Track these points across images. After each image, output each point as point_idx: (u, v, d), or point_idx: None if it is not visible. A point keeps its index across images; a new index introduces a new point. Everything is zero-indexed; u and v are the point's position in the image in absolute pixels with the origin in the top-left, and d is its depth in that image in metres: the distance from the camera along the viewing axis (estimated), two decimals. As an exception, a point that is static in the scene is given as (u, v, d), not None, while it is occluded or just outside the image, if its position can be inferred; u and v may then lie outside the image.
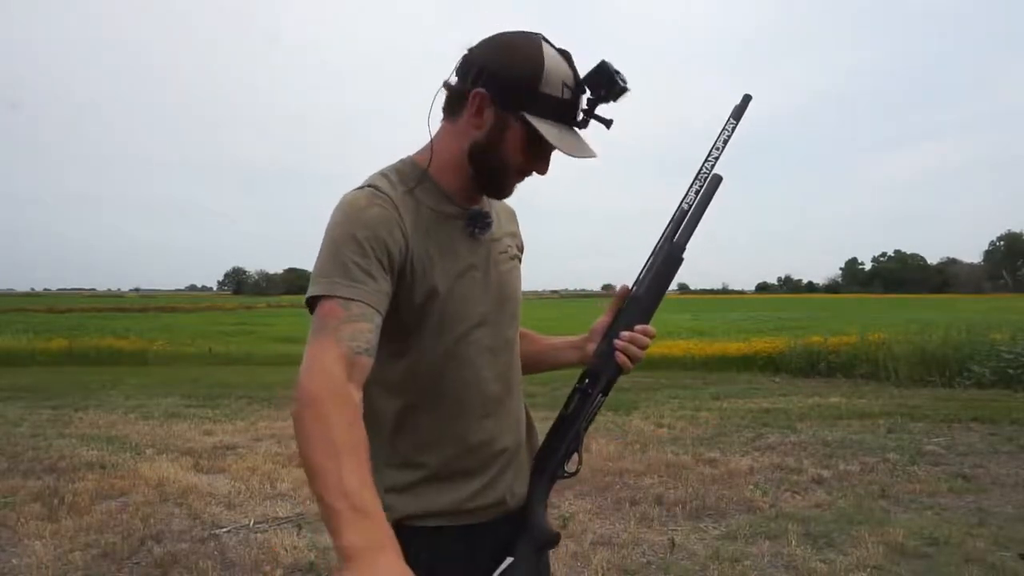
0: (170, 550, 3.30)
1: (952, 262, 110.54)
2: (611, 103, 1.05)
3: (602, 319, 1.18)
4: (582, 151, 1.04)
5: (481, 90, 1.01)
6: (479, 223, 1.09)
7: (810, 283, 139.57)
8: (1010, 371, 8.53)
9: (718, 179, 1.12)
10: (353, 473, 0.87)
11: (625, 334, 1.12)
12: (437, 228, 1.05)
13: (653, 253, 1.15)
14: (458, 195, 1.08)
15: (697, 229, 1.14)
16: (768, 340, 12.49)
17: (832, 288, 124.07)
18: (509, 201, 1.23)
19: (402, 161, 1.10)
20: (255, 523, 3.72)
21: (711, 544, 3.34)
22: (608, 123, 1.07)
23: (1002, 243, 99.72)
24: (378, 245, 0.98)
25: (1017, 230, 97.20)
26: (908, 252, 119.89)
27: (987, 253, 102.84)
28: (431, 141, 1.08)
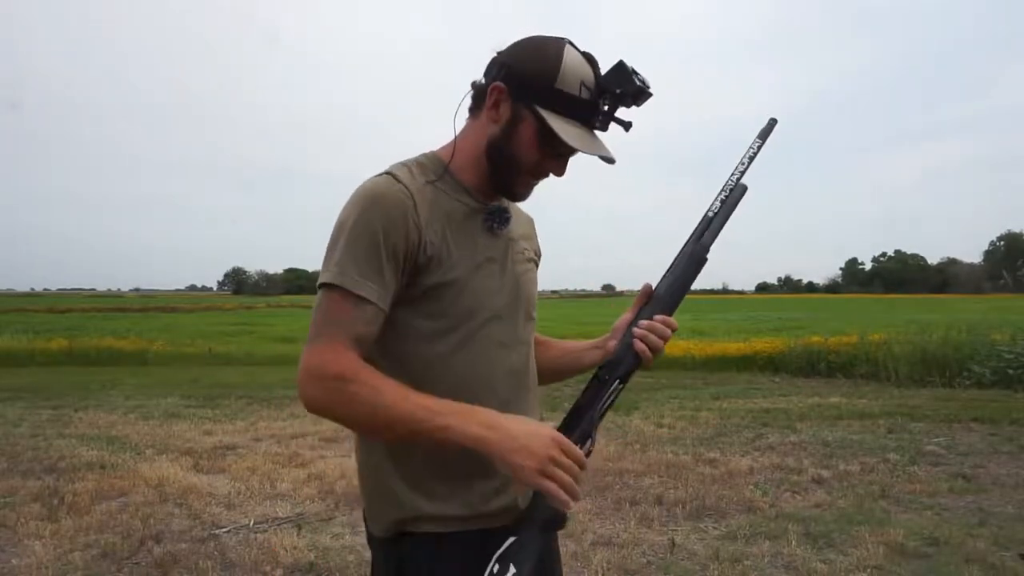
0: (170, 550, 3.30)
1: (952, 262, 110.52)
2: (633, 107, 1.05)
3: (624, 316, 1.18)
4: (595, 149, 1.04)
5: (499, 83, 1.04)
6: (497, 218, 1.10)
7: (810, 283, 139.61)
8: (1010, 371, 8.53)
9: (743, 188, 1.15)
10: (421, 397, 0.97)
11: (644, 323, 1.11)
12: (455, 220, 1.06)
13: (678, 254, 1.16)
14: (477, 191, 1.10)
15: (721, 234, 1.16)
16: (768, 340, 12.49)
17: (832, 288, 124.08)
18: (528, 210, 1.25)
19: (425, 155, 1.12)
20: (255, 523, 3.72)
21: (711, 544, 3.34)
22: (627, 125, 1.07)
23: (1002, 243, 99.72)
24: (392, 238, 1.00)
25: (1017, 230, 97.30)
26: (908, 252, 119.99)
27: (987, 253, 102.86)
28: (455, 138, 1.11)
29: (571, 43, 1.05)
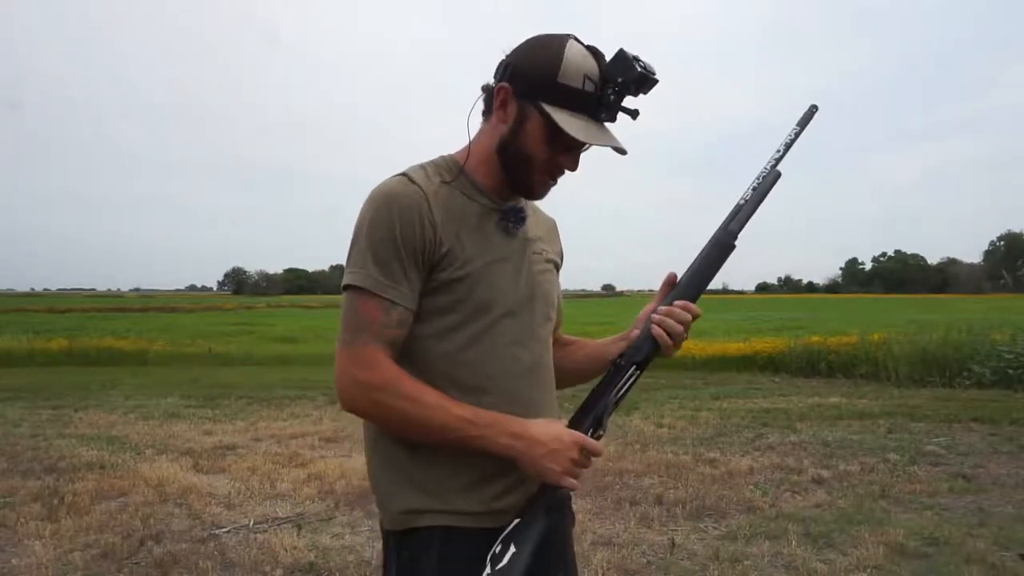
0: (170, 550, 3.30)
1: (952, 262, 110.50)
2: (640, 95, 1.05)
3: (648, 306, 1.18)
4: (604, 140, 1.04)
5: (505, 84, 1.06)
6: (513, 218, 1.11)
7: (810, 283, 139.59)
8: (1010, 371, 8.53)
9: (776, 174, 1.14)
10: (456, 407, 1.03)
11: (663, 308, 1.12)
12: (470, 220, 1.08)
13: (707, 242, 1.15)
14: (493, 192, 1.11)
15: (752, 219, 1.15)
16: (768, 340, 12.49)
17: (832, 288, 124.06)
18: (549, 211, 1.26)
19: (442, 157, 1.13)
20: (255, 523, 3.72)
21: (711, 544, 3.34)
22: (634, 114, 1.07)
23: (1002, 243, 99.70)
24: (409, 237, 1.02)
25: (1017, 230, 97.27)
26: (908, 252, 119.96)
27: (987, 253, 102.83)
28: (469, 140, 1.12)
29: (576, 38, 1.05)
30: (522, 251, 1.13)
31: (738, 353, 11.65)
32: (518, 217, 1.12)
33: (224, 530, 3.61)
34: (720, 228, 1.14)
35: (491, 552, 1.03)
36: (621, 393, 1.12)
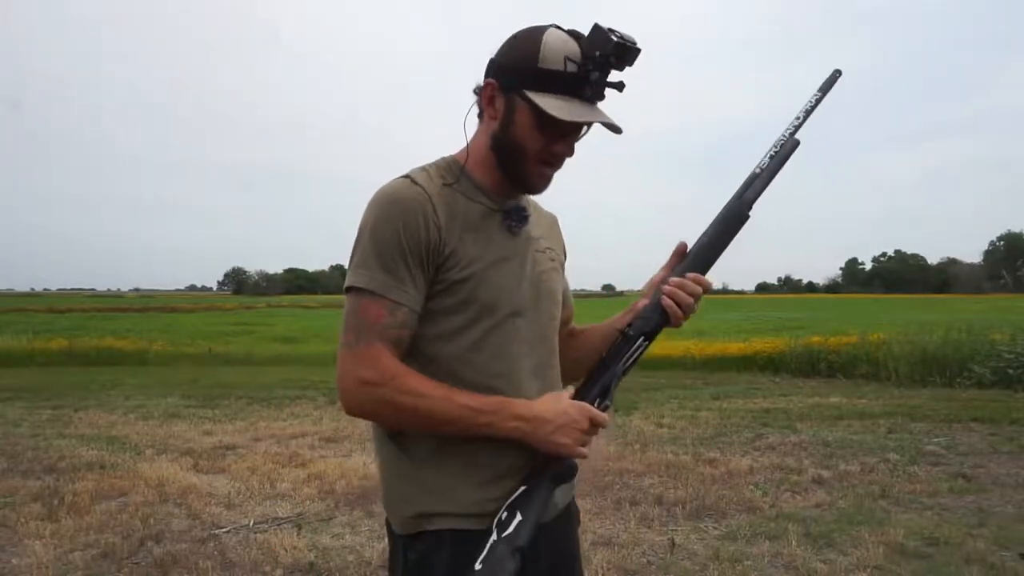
0: (170, 550, 3.30)
1: (952, 262, 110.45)
2: (625, 68, 1.03)
3: (656, 275, 1.17)
4: (592, 117, 1.03)
5: (490, 80, 1.06)
6: (515, 217, 1.11)
7: (810, 283, 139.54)
8: (1010, 371, 8.53)
9: (795, 142, 1.11)
10: (461, 396, 1.02)
11: (674, 279, 1.10)
12: (473, 220, 1.08)
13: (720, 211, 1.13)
14: (494, 191, 1.11)
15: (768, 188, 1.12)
16: (768, 340, 12.51)
17: (832, 288, 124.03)
18: (548, 206, 1.26)
19: (443, 158, 1.13)
20: (255, 523, 3.72)
21: (711, 544, 3.34)
22: (619, 86, 1.05)
23: (1002, 243, 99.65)
24: (413, 239, 1.02)
25: (1017, 230, 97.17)
26: (908, 252, 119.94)
27: (987, 253, 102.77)
28: (468, 142, 1.12)
29: (557, 26, 1.05)
30: (526, 250, 1.13)
31: (738, 353, 11.66)
32: (520, 216, 1.12)
33: (224, 530, 3.61)
34: (734, 197, 1.12)
35: (497, 518, 1.04)
36: (628, 363, 1.12)
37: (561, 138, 1.06)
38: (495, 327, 1.07)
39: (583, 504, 3.92)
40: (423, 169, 1.10)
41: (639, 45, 1.01)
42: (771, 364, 11.07)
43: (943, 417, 6.48)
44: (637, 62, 1.02)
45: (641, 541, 3.40)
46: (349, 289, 1.04)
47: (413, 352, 1.06)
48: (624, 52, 1.00)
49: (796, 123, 1.11)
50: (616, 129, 1.06)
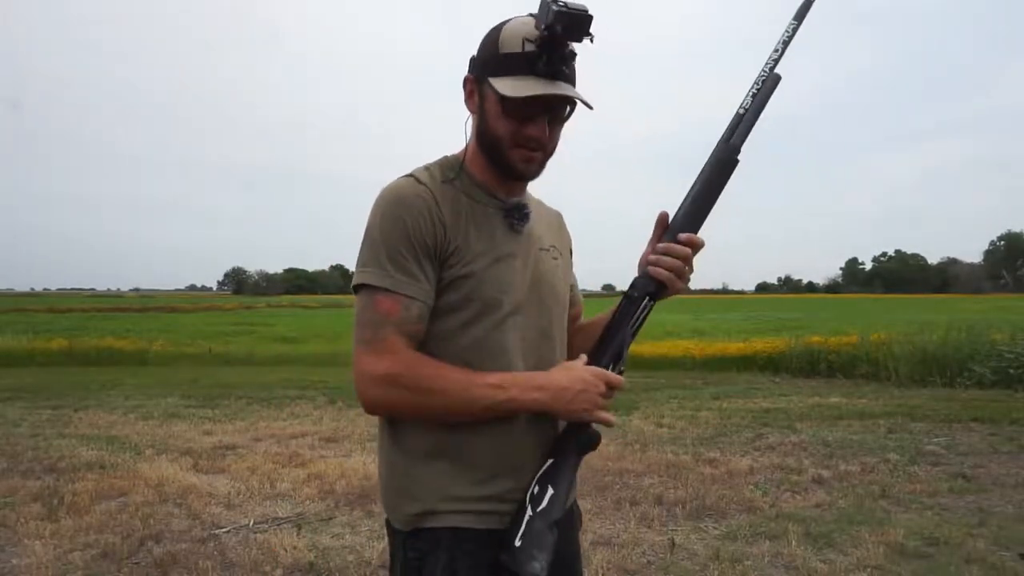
0: (170, 550, 3.30)
1: (952, 262, 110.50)
2: (582, 38, 1.01)
3: (645, 251, 1.15)
4: (544, 90, 1.00)
5: (468, 76, 1.09)
6: (517, 215, 1.12)
7: (810, 283, 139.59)
8: (1011, 371, 8.53)
9: (776, 78, 1.08)
10: (480, 376, 1.03)
11: (661, 246, 1.09)
12: (476, 217, 1.08)
13: (707, 161, 1.10)
14: (493, 186, 1.12)
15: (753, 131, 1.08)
16: (768, 340, 12.49)
17: (832, 288, 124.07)
18: (552, 204, 1.26)
19: (444, 157, 1.15)
20: (255, 523, 3.72)
21: (711, 544, 3.34)
22: (570, 57, 1.02)
23: (1002, 243, 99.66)
24: (421, 235, 1.03)
25: (1017, 230, 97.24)
26: (908, 252, 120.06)
27: (987, 253, 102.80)
28: (467, 140, 1.13)
29: (531, 15, 1.05)
30: (528, 248, 1.14)
31: (738, 353, 11.65)
32: (522, 214, 1.13)
33: (224, 530, 3.61)
34: (720, 143, 1.08)
35: (529, 492, 1.05)
36: (637, 325, 1.12)
37: (528, 120, 1.04)
38: (497, 324, 1.07)
39: (583, 504, 3.92)
40: (426, 168, 1.11)
41: (588, 12, 0.97)
42: (771, 364, 11.06)
43: (943, 417, 6.48)
44: (596, 32, 0.99)
45: (641, 541, 3.40)
46: (361, 288, 1.04)
47: (420, 348, 1.06)
48: (570, 20, 0.97)
49: (775, 56, 1.07)
50: (583, 103, 1.04)
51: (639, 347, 10.31)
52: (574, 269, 1.32)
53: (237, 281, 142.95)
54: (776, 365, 10.99)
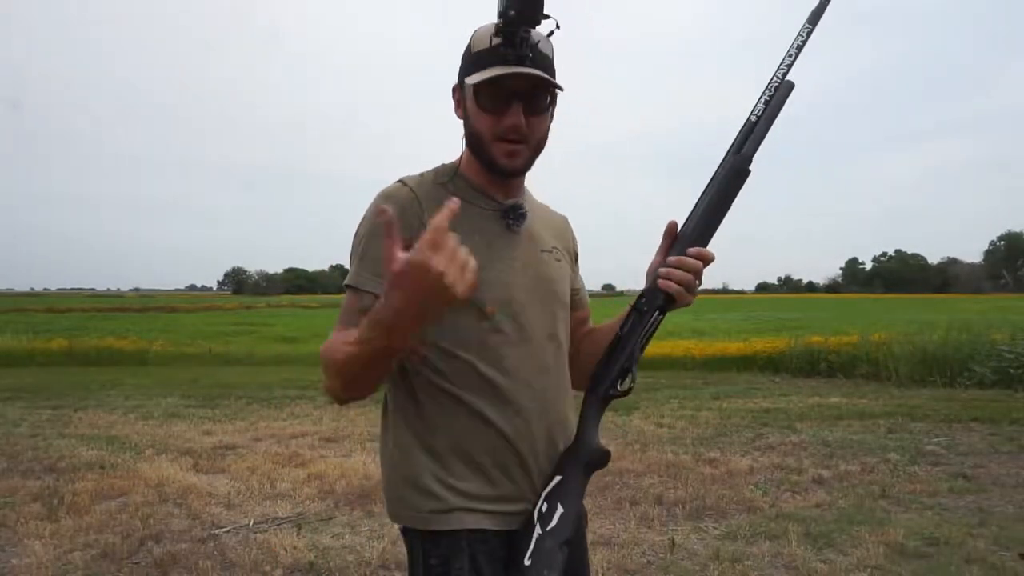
0: (170, 550, 3.30)
1: (952, 262, 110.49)
2: (537, 21, 1.01)
3: (654, 261, 1.14)
4: (507, 70, 1.00)
5: (454, 85, 1.12)
6: (512, 215, 1.12)
7: (810, 283, 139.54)
8: (1011, 371, 8.52)
9: (790, 85, 1.04)
10: (349, 333, 0.98)
11: (671, 259, 1.07)
12: (473, 221, 1.09)
13: (716, 170, 1.07)
14: (489, 189, 1.13)
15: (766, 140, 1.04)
16: (768, 340, 12.47)
17: (832, 288, 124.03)
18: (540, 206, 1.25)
19: (442, 164, 1.17)
20: (255, 523, 3.72)
21: (711, 544, 3.34)
22: (525, 39, 1.01)
23: (1002, 243, 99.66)
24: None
25: (1017, 230, 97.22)
26: (908, 252, 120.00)
27: (987, 253, 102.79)
28: (463, 146, 1.15)
29: None
30: (528, 249, 1.14)
31: (738, 353, 11.64)
32: (517, 214, 1.13)
33: (224, 530, 3.61)
34: (731, 152, 1.05)
35: (537, 510, 1.04)
36: (646, 339, 1.10)
37: (504, 110, 1.04)
38: (497, 324, 1.07)
39: (584, 504, 3.91)
40: (420, 174, 1.14)
41: None
42: (771, 364, 11.05)
43: (943, 417, 6.48)
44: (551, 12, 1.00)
45: (641, 541, 3.40)
46: (344, 287, 1.10)
47: (426, 348, 1.07)
48: (522, 3, 0.98)
49: (788, 62, 1.04)
50: (551, 84, 1.04)
51: (639, 347, 10.22)
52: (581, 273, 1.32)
53: (237, 281, 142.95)
54: (776, 365, 10.98)
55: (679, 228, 1.10)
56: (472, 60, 1.06)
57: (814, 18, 1.05)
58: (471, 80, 1.03)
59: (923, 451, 5.15)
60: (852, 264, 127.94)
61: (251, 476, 4.62)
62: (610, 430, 5.97)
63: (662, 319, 1.09)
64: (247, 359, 13.63)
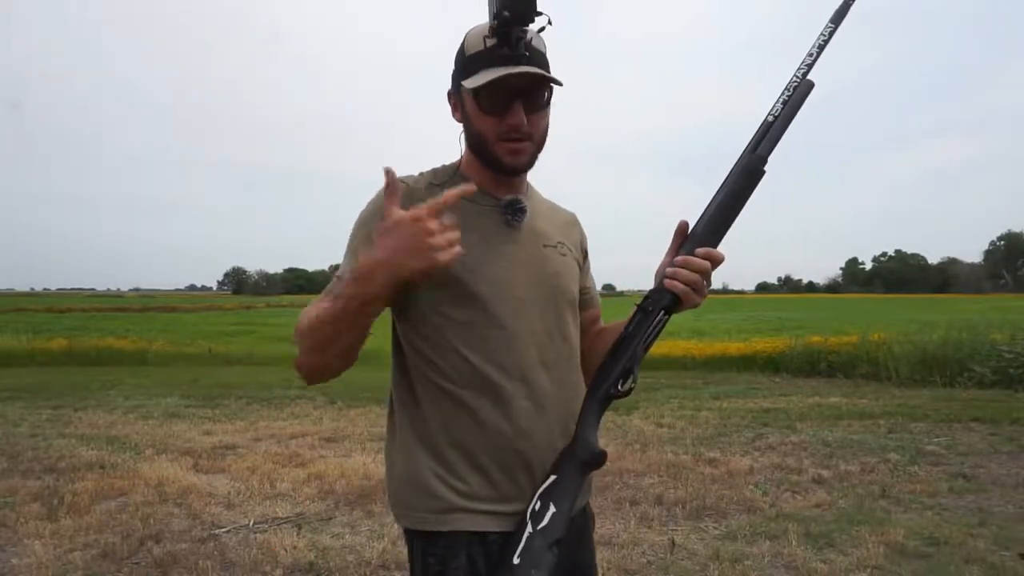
0: (170, 550, 3.30)
1: (952, 262, 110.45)
2: (528, 19, 1.01)
3: (663, 261, 1.12)
4: (507, 70, 1.01)
5: (449, 90, 1.13)
6: (510, 211, 1.12)
7: (810, 283, 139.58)
8: (1011, 371, 8.51)
9: (809, 85, 1.02)
10: (321, 300, 1.03)
11: (679, 259, 1.05)
12: (471, 219, 1.09)
13: (731, 169, 1.05)
14: (490, 187, 1.13)
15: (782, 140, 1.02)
16: (768, 340, 12.47)
17: (832, 288, 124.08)
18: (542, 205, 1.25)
19: (442, 164, 1.18)
20: (255, 523, 3.72)
21: (711, 544, 3.34)
22: (520, 36, 1.02)
23: (1002, 243, 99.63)
24: None
25: (1017, 230, 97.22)
26: (908, 252, 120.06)
27: (987, 253, 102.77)
28: (462, 147, 1.16)
29: None
30: (531, 246, 1.14)
31: (738, 353, 11.64)
32: (515, 209, 1.13)
33: (224, 530, 3.61)
34: (746, 152, 1.03)
35: (530, 508, 1.03)
36: (650, 340, 1.08)
37: (505, 110, 1.05)
38: (499, 320, 1.07)
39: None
40: (420, 172, 1.15)
41: None
42: (771, 364, 11.05)
43: (943, 417, 6.47)
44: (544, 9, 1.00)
45: (641, 541, 3.40)
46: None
47: (429, 344, 1.08)
48: (514, 3, 0.98)
49: (809, 61, 1.02)
50: (552, 80, 1.04)
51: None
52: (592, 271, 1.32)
53: (237, 281, 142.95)
54: (776, 365, 10.98)
55: (690, 228, 1.09)
56: (467, 63, 1.06)
57: (837, 17, 1.04)
58: (470, 84, 1.03)
59: (923, 451, 5.15)
60: (852, 264, 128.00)
61: (251, 476, 4.62)
62: (610, 430, 5.97)
63: (668, 319, 1.08)
64: (247, 359, 13.63)
